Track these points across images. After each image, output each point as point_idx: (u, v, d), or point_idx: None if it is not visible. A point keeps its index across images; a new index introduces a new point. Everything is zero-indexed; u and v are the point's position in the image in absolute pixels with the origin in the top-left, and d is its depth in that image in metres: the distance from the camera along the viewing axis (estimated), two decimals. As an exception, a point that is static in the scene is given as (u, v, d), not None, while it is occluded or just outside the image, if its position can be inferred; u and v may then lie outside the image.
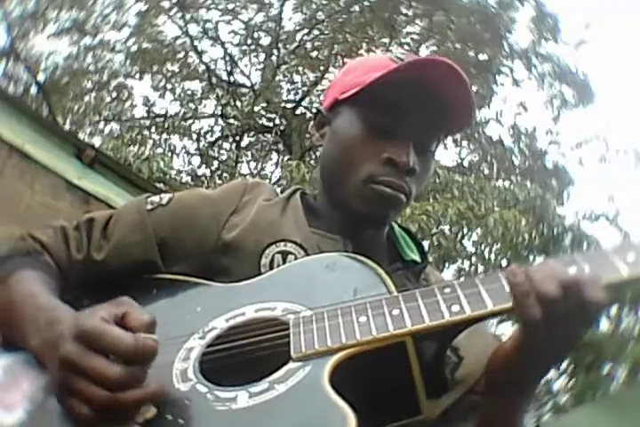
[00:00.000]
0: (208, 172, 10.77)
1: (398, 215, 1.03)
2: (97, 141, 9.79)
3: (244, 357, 0.78)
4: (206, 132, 11.04)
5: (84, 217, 1.00)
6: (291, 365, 0.73)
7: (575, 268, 0.73)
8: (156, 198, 1.00)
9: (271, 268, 0.91)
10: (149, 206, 0.99)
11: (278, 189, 1.09)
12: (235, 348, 0.78)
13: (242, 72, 11.25)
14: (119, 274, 0.93)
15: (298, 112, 10.69)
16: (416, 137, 0.97)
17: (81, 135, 9.79)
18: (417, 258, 1.04)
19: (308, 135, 9.84)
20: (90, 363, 0.67)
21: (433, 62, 0.96)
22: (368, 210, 0.97)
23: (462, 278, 0.79)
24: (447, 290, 0.75)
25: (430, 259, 1.09)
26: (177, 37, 10.94)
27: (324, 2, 10.83)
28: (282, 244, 0.93)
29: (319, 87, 10.41)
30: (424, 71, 0.94)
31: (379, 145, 0.97)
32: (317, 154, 8.75)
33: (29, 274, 0.88)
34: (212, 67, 11.14)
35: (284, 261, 0.91)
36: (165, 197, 1.01)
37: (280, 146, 11.07)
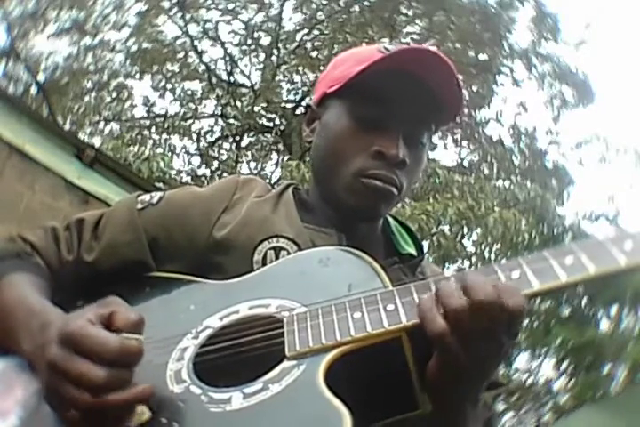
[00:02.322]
0: (208, 172, 10.77)
1: (390, 208, 1.02)
2: (97, 141, 9.82)
3: (239, 356, 0.77)
4: (206, 132, 11.05)
5: (74, 217, 0.99)
6: (285, 363, 0.72)
7: (496, 276, 0.72)
8: (146, 197, 0.99)
9: (264, 264, 0.90)
10: (140, 206, 0.97)
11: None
12: (228, 347, 0.78)
13: (242, 72, 11.26)
14: (110, 274, 0.91)
15: (298, 112, 10.67)
16: (405, 128, 0.96)
17: (81, 135, 9.80)
18: (413, 251, 1.03)
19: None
20: (73, 367, 0.66)
21: (415, 51, 0.95)
22: (359, 204, 0.96)
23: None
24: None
25: (430, 259, 1.08)
26: (177, 37, 10.96)
27: (324, 2, 10.84)
28: (274, 240, 0.92)
29: (319, 87, 10.38)
30: (408, 60, 0.93)
31: (367, 138, 0.95)
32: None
33: (20, 277, 0.87)
34: (212, 67, 11.15)
35: (277, 258, 0.90)
36: (156, 195, 0.99)
37: (280, 146, 11.07)
